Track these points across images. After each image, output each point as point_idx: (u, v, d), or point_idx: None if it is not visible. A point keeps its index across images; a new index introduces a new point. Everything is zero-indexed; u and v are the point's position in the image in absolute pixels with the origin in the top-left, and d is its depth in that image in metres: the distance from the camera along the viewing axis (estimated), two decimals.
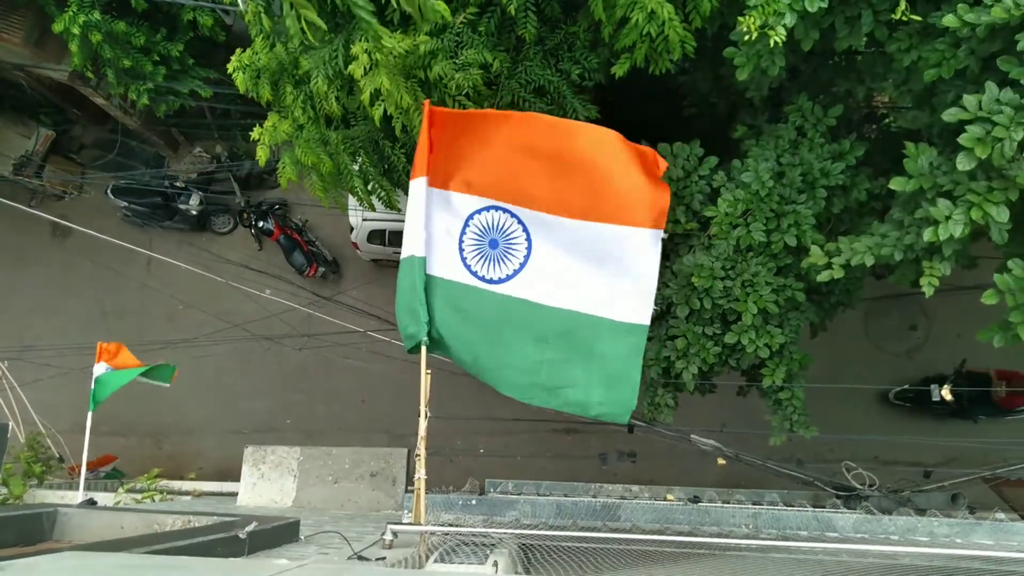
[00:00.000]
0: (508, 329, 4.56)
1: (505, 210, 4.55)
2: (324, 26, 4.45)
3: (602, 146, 4.64)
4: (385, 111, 6.80)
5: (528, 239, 4.58)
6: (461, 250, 4.62)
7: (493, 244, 4.59)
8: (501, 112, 4.86)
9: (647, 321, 4.59)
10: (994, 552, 4.66)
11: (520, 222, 4.57)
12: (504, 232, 4.59)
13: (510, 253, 4.59)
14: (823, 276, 6.36)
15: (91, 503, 8.05)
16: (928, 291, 5.84)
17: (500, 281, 4.59)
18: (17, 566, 2.99)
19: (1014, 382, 12.41)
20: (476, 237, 4.63)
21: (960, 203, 5.52)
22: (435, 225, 4.76)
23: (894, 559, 4.55)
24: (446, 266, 4.67)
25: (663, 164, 4.71)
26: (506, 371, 4.62)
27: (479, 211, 4.61)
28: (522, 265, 4.57)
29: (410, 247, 4.72)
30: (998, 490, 9.66)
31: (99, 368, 9.77)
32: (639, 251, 4.54)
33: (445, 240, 4.72)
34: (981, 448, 10.23)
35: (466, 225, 4.68)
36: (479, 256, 4.62)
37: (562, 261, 4.55)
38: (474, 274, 4.60)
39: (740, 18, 5.79)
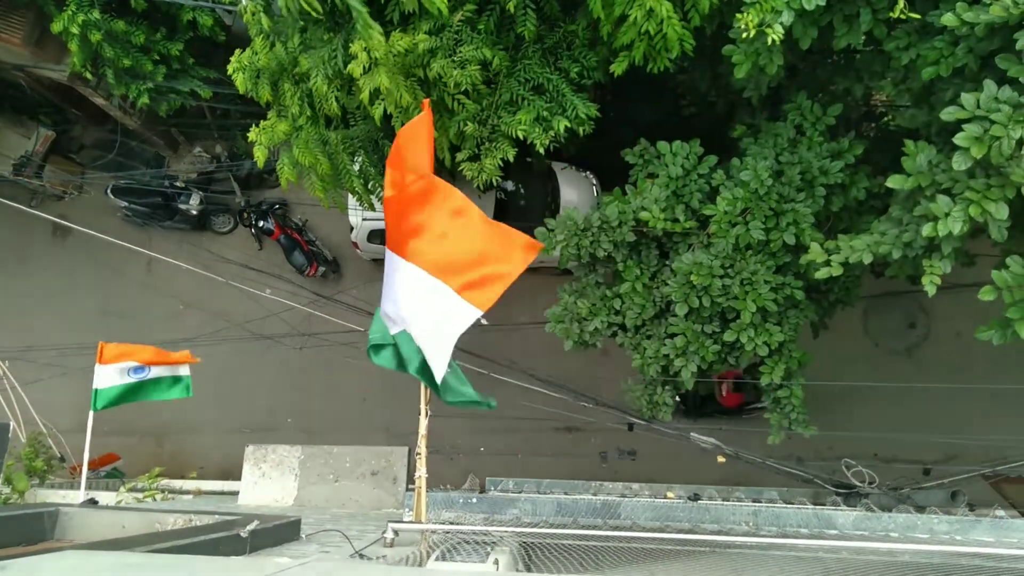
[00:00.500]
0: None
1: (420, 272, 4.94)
2: (319, 8, 4.48)
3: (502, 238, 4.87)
4: (385, 110, 6.81)
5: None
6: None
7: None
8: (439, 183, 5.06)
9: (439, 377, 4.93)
10: (994, 549, 4.67)
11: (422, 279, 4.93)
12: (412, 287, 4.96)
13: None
14: (822, 274, 6.36)
15: (92, 503, 8.05)
16: (931, 290, 5.84)
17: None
18: (19, 565, 3.00)
19: (729, 380, 12.38)
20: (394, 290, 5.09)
21: (959, 200, 5.53)
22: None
23: (894, 556, 4.56)
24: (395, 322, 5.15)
25: (535, 249, 4.84)
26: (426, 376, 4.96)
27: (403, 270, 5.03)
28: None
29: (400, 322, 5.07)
30: (998, 487, 9.68)
31: (100, 371, 9.71)
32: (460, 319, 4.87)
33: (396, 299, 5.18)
34: (981, 445, 10.24)
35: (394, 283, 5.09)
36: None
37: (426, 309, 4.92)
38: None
39: (738, 15, 5.80)
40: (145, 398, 9.95)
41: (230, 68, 7.52)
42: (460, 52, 6.76)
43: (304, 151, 7.33)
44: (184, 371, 10.17)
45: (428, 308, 4.82)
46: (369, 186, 8.03)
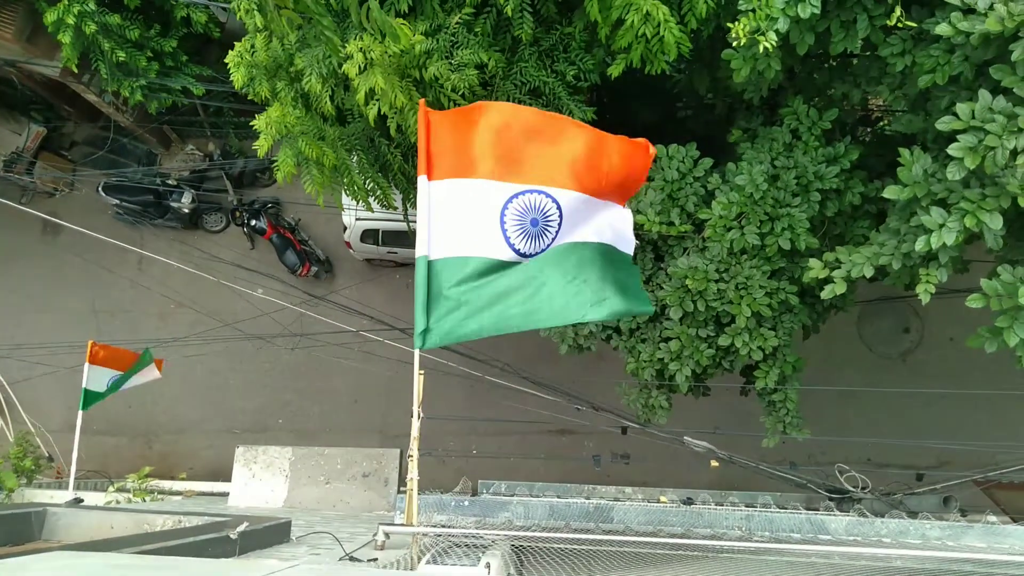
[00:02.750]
0: (547, 270, 5.17)
1: (540, 192, 5.12)
2: (300, 21, 4.50)
3: (602, 142, 5.28)
4: (379, 110, 6.77)
5: (560, 213, 5.17)
6: (504, 234, 5.08)
7: (534, 223, 5.12)
8: (505, 104, 5.27)
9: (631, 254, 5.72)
10: (986, 555, 4.67)
11: (553, 200, 5.16)
12: (542, 211, 5.13)
13: (548, 228, 5.18)
14: (826, 293, 6.36)
15: (77, 502, 7.97)
16: (925, 298, 5.87)
17: (542, 251, 5.19)
18: (5, 566, 2.95)
19: None
20: (517, 219, 5.11)
21: (954, 211, 5.55)
22: (444, 213, 5.03)
23: (886, 561, 4.56)
24: (473, 246, 5.04)
25: (652, 152, 5.47)
26: (544, 307, 5.08)
27: (516, 195, 5.08)
28: (557, 232, 5.21)
29: (418, 247, 4.87)
30: (990, 493, 9.69)
31: (90, 371, 9.67)
32: (625, 218, 5.62)
33: (467, 224, 5.06)
34: (974, 451, 10.27)
35: (504, 210, 5.10)
36: (522, 235, 5.12)
37: (583, 220, 5.34)
38: (519, 252, 5.11)
39: (730, 24, 5.82)
40: (118, 388, 10.20)
41: (229, 61, 7.46)
42: (457, 55, 6.74)
43: (311, 143, 7.25)
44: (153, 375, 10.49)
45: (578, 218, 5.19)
46: (368, 185, 7.97)
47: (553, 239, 5.18)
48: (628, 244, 5.61)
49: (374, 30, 3.70)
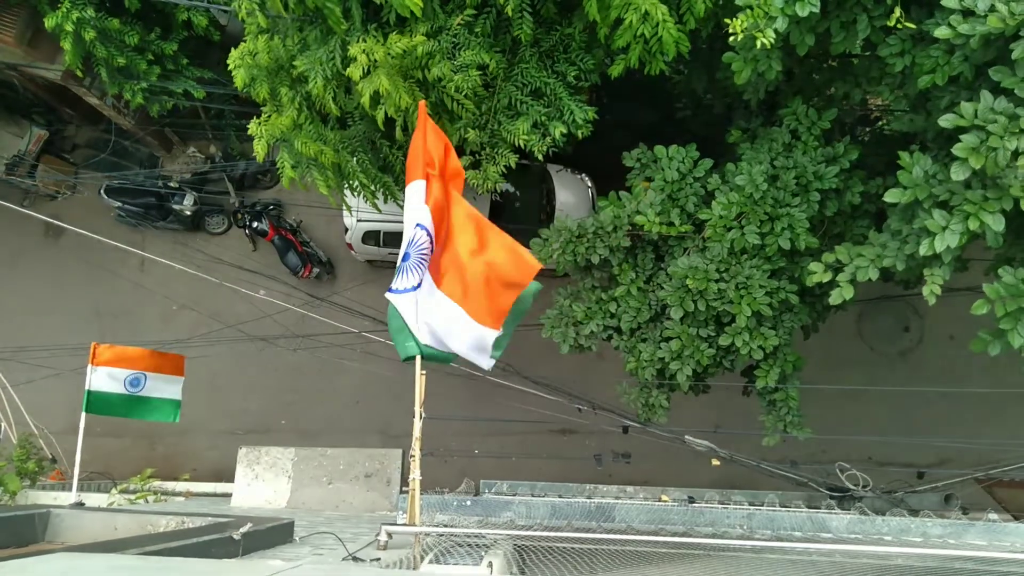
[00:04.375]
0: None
1: (430, 238, 5.04)
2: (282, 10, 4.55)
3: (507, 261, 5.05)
4: (387, 113, 6.80)
5: (421, 279, 5.11)
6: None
7: (406, 257, 5.07)
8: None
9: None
10: (987, 553, 4.68)
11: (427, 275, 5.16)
12: (419, 248, 5.04)
13: (416, 267, 5.09)
14: (834, 299, 6.37)
15: (79, 506, 7.99)
16: (931, 299, 5.88)
17: (405, 291, 5.13)
18: (8, 568, 2.97)
19: None
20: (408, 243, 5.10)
21: (956, 212, 5.55)
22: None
23: (888, 560, 4.57)
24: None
25: (535, 269, 5.07)
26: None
27: (419, 225, 5.04)
28: (418, 285, 5.11)
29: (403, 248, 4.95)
30: (991, 491, 9.71)
31: (93, 372, 9.61)
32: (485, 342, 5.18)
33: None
34: (975, 449, 10.27)
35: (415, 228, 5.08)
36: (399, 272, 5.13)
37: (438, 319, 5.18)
38: (391, 290, 5.17)
39: (727, 20, 5.82)
40: (133, 416, 9.80)
41: (230, 63, 7.48)
42: (459, 56, 6.75)
43: (306, 141, 7.28)
44: (176, 387, 10.02)
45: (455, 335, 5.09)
46: (373, 186, 8.00)
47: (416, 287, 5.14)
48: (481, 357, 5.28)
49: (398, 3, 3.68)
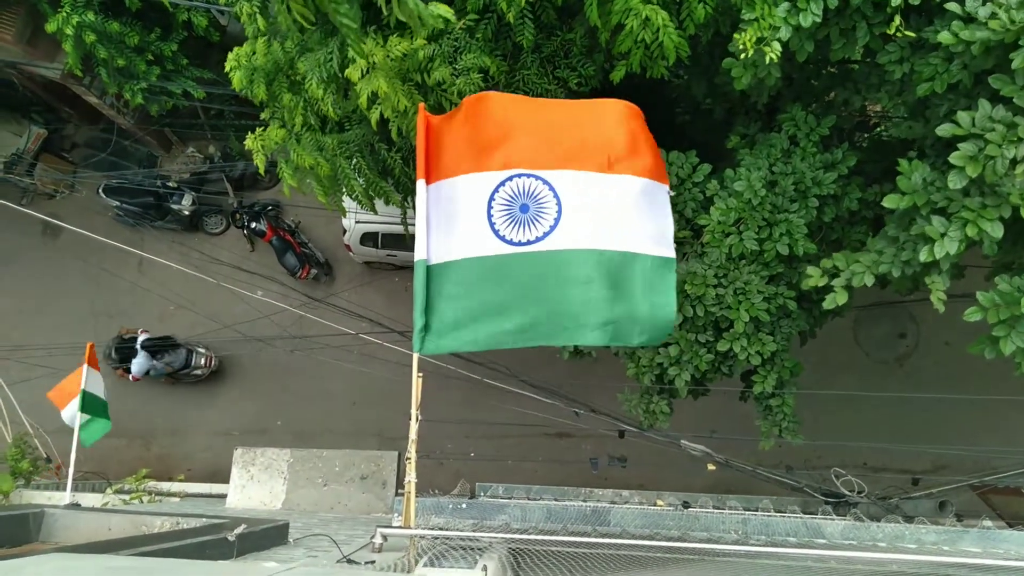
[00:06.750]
0: (550, 281, 4.76)
1: (529, 175, 4.80)
2: (312, 18, 4.47)
3: (594, 110, 5.03)
4: (381, 114, 6.80)
5: (556, 197, 4.82)
6: (491, 223, 4.79)
7: (524, 208, 4.80)
8: (493, 94, 5.09)
9: (674, 255, 4.99)
10: (981, 559, 4.69)
11: (546, 183, 4.82)
12: (533, 196, 4.82)
13: (541, 214, 4.81)
14: (828, 303, 6.37)
15: (74, 506, 7.98)
16: (940, 307, 5.88)
17: (536, 240, 4.79)
18: (1, 568, 2.97)
19: None
20: (505, 206, 4.83)
21: (954, 220, 5.57)
22: (440, 216, 4.93)
23: (882, 566, 4.57)
24: (463, 247, 4.83)
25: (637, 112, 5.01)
26: (547, 323, 4.77)
27: (503, 183, 4.82)
28: (556, 220, 4.80)
29: (416, 251, 4.85)
30: (985, 498, 9.72)
31: (89, 372, 9.59)
32: (655, 200, 4.95)
33: (457, 224, 4.88)
34: (970, 455, 10.30)
35: (491, 199, 4.85)
36: (510, 222, 4.80)
37: (591, 210, 4.85)
38: (508, 242, 4.77)
39: (736, 35, 5.83)
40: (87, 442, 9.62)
41: (228, 65, 7.49)
42: (461, 60, 6.76)
43: (302, 153, 7.29)
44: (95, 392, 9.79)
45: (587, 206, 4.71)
46: (370, 190, 8.00)
47: (553, 227, 4.77)
48: (664, 239, 4.90)
49: (412, 20, 3.63)
